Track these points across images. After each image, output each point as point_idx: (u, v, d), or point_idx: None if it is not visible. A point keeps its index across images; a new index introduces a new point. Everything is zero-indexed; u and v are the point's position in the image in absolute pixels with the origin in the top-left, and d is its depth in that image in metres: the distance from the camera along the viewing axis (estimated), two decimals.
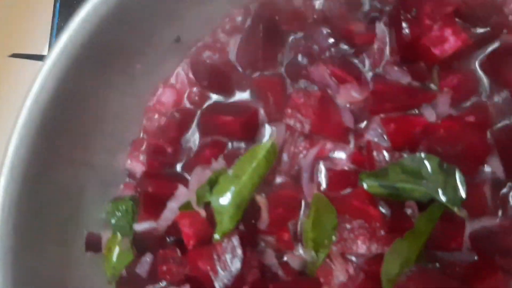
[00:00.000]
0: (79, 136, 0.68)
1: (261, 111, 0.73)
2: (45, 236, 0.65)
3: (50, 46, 0.98)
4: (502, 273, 0.64)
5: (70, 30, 0.60)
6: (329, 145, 0.70)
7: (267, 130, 0.73)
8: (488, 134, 0.69)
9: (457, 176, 0.64)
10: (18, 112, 0.58)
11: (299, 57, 0.72)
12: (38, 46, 1.05)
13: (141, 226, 0.70)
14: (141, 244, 0.73)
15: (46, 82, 0.59)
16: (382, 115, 0.69)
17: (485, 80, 0.70)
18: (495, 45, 0.69)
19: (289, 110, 0.69)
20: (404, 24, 0.66)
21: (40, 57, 1.07)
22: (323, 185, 0.70)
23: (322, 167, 0.70)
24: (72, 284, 0.70)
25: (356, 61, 0.71)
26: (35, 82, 0.58)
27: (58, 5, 0.96)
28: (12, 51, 1.06)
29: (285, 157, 0.71)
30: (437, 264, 0.67)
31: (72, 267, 0.70)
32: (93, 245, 0.73)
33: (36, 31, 1.06)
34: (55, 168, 0.66)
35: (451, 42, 0.64)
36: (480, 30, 0.68)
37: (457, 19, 0.66)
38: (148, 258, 0.72)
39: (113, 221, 0.72)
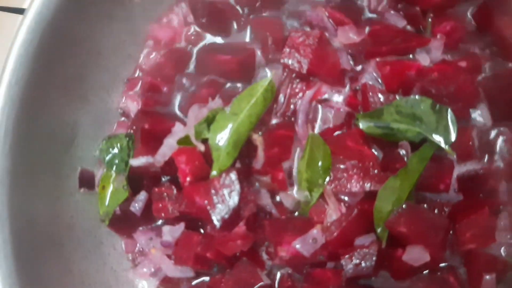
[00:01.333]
0: (75, 66, 0.69)
1: (259, 52, 0.75)
2: (39, 164, 0.66)
3: None
4: (488, 210, 0.68)
5: None
6: (325, 88, 0.72)
7: (264, 72, 0.74)
8: (477, 82, 0.72)
9: (449, 116, 0.67)
10: (16, 31, 0.57)
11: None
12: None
13: (137, 161, 0.71)
14: (135, 183, 0.74)
15: (46, 3, 0.58)
16: (377, 59, 0.72)
17: (476, 28, 0.73)
18: None
19: (287, 50, 0.70)
20: None
21: (20, 11, 1.04)
22: (318, 126, 0.72)
23: (318, 109, 0.72)
24: (64, 220, 0.72)
25: (354, 4, 0.73)
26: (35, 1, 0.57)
27: None
28: None
29: (281, 98, 0.73)
30: (425, 205, 0.70)
31: (64, 202, 0.72)
32: (87, 181, 0.74)
33: None
34: (51, 96, 0.66)
35: None
36: None
37: None
38: (142, 196, 0.74)
39: (107, 158, 0.74)
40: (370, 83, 0.71)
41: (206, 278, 0.75)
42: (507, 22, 0.71)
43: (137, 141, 0.72)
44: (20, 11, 1.10)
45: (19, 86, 0.59)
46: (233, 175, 0.68)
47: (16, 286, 0.61)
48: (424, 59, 0.71)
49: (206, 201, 0.68)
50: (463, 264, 0.71)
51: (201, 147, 0.69)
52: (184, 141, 0.70)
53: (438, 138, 0.67)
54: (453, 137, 0.67)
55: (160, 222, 0.76)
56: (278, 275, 0.74)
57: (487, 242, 0.68)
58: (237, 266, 0.71)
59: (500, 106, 0.71)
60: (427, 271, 0.71)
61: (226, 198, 0.67)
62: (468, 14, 0.73)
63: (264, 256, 0.73)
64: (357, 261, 0.68)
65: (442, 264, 0.71)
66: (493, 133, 0.72)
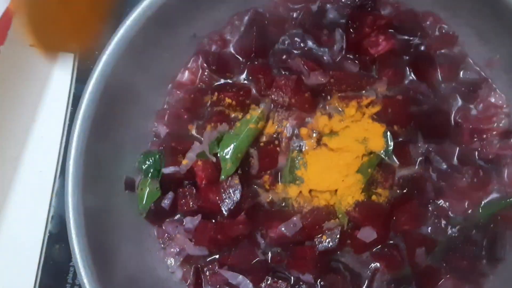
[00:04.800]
0: (123, 105, 0.92)
1: (253, 89, 0.98)
2: (99, 174, 0.90)
3: None
4: (417, 202, 0.93)
5: (126, 26, 0.85)
6: (302, 114, 0.96)
7: (258, 104, 0.97)
8: (411, 111, 0.95)
9: (388, 136, 0.93)
10: (85, 90, 0.84)
11: (282, 51, 0.98)
12: None
13: (168, 170, 0.94)
14: (164, 186, 0.96)
15: (108, 63, 0.85)
16: (339, 94, 0.96)
17: (411, 73, 0.96)
18: (418, 50, 0.96)
19: (273, 89, 0.94)
20: (351, 30, 0.93)
21: None
22: (297, 142, 0.96)
23: (297, 129, 0.96)
24: (115, 214, 0.94)
25: (321, 55, 0.97)
26: (95, 73, 0.85)
27: None
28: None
29: (270, 122, 0.96)
30: (375, 198, 0.94)
31: (115, 201, 0.94)
32: (130, 185, 0.96)
33: None
34: (107, 127, 0.90)
35: (383, 45, 0.92)
36: (407, 38, 0.96)
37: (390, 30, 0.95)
38: (170, 195, 0.96)
39: (144, 167, 0.96)
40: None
41: (217, 256, 0.96)
42: (431, 72, 0.96)
43: (167, 156, 0.95)
44: None
45: (88, 123, 0.85)
46: (236, 179, 0.92)
47: (89, 260, 0.85)
48: (372, 94, 0.95)
49: (217, 197, 0.92)
50: (403, 241, 0.94)
51: (213, 159, 0.93)
52: (201, 155, 0.94)
53: (381, 151, 0.93)
54: (390, 151, 0.92)
55: (182, 214, 0.97)
56: (270, 253, 0.96)
57: (417, 225, 0.92)
58: (239, 246, 0.94)
59: (428, 129, 0.95)
60: (378, 246, 0.94)
61: (231, 195, 0.91)
62: (406, 62, 0.96)
63: (260, 239, 0.95)
64: (326, 239, 0.92)
65: (388, 242, 0.94)
66: (424, 148, 0.95)
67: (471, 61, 0.97)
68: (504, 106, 0.95)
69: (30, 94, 1.16)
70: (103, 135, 0.89)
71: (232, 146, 0.93)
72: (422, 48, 0.97)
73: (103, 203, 0.91)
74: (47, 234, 1.11)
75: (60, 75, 1.20)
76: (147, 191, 0.96)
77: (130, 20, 0.85)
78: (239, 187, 0.92)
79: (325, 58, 0.98)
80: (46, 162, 1.15)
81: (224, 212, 0.91)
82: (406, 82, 0.97)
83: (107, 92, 0.87)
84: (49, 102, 1.18)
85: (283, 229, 0.91)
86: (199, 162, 0.94)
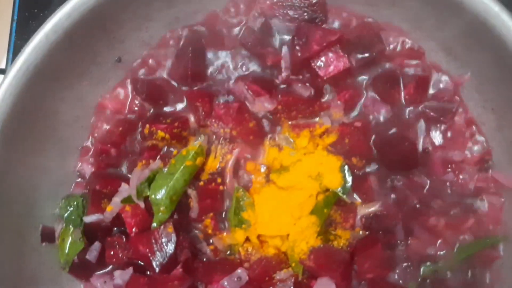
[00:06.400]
0: (34, 143, 0.79)
1: (192, 119, 0.86)
2: (4, 227, 0.76)
3: (7, 62, 1.03)
4: (382, 246, 0.81)
5: (25, 53, 0.72)
6: (248, 147, 0.85)
7: (197, 136, 0.85)
8: (372, 140, 0.84)
9: (346, 171, 0.81)
10: None
11: (222, 74, 0.86)
12: None
13: (90, 218, 0.81)
14: (90, 234, 0.84)
15: (5, 97, 0.71)
16: (289, 122, 0.84)
17: (370, 95, 0.85)
18: (379, 68, 0.85)
19: (213, 120, 0.83)
20: (297, 48, 0.81)
21: None
22: (243, 180, 0.85)
23: (242, 165, 0.84)
24: (29, 271, 0.81)
25: (267, 78, 0.85)
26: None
27: (15, 24, 1.03)
28: None
29: (212, 157, 0.84)
30: (334, 242, 0.82)
31: (28, 255, 0.81)
32: (48, 236, 0.83)
33: None
34: (12, 171, 0.77)
35: (334, 65, 0.80)
36: (365, 55, 0.83)
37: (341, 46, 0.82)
38: (96, 246, 0.83)
39: (65, 215, 0.83)
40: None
41: None
42: (395, 94, 0.84)
43: (91, 200, 0.82)
44: None
45: None
46: (169, 227, 0.79)
47: None
48: (326, 121, 0.83)
49: (147, 249, 0.79)
50: None
51: (142, 205, 0.80)
52: (127, 200, 0.81)
53: (338, 189, 0.81)
54: (349, 187, 0.80)
55: (112, 267, 0.84)
56: None
57: (383, 272, 0.81)
58: None
59: (393, 160, 0.83)
60: None
61: (163, 247, 0.79)
62: (364, 83, 0.85)
63: None
64: None
65: None
66: (389, 181, 0.84)
67: (440, 80, 0.85)
68: (477, 130, 0.84)
69: None
70: (10, 181, 0.76)
71: (165, 187, 0.81)
72: (384, 66, 0.86)
73: (10, 264, 0.77)
74: None
75: None
76: (69, 242, 0.83)
77: (31, 47, 0.71)
78: (173, 237, 0.79)
79: (272, 81, 0.85)
80: None
81: (154, 267, 0.78)
82: (365, 106, 0.85)
83: (11, 130, 0.74)
84: None
85: (225, 284, 0.79)
86: (128, 208, 0.81)
